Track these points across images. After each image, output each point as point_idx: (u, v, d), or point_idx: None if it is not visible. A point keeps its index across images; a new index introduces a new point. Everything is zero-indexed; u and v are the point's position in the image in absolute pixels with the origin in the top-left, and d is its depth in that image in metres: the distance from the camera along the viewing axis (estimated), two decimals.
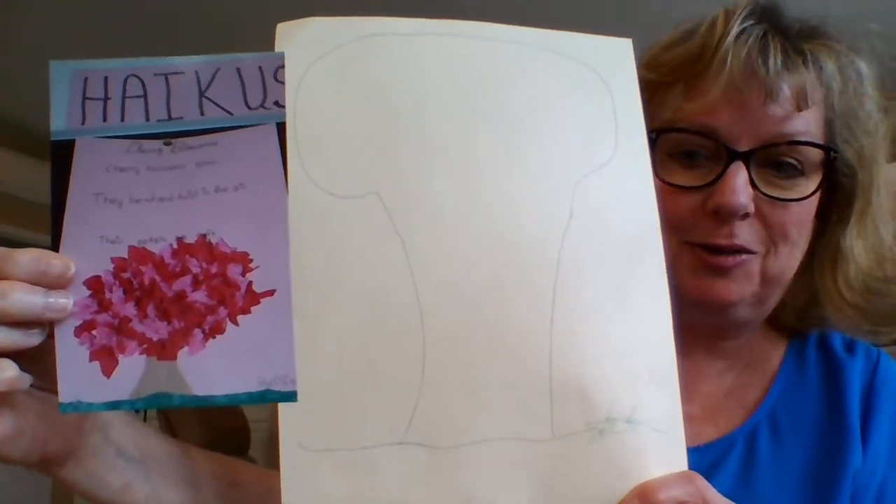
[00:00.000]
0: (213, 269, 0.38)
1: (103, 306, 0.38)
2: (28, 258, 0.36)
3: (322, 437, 0.41)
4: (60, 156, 0.39)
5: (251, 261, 0.38)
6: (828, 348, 0.65)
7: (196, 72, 0.39)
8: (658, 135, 0.57)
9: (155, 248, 0.38)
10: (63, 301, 0.37)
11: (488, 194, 0.44)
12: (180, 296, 0.38)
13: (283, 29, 0.44)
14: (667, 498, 0.41)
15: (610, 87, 0.47)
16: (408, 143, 0.44)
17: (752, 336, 0.65)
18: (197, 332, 0.38)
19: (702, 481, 0.43)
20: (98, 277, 0.38)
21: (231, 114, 0.39)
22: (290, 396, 0.38)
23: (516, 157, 0.45)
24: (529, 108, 0.46)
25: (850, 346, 0.65)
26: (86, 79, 0.39)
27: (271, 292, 0.38)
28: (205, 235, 0.38)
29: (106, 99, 0.39)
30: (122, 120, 0.39)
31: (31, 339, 0.37)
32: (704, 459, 0.58)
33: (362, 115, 0.44)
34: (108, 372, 0.38)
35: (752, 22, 0.57)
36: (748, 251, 0.57)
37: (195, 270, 0.38)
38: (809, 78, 0.56)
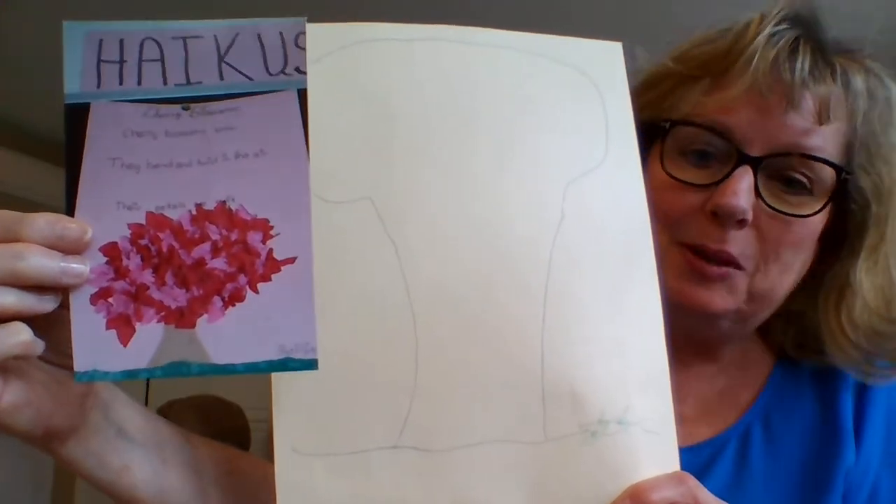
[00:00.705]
0: (233, 236, 0.37)
1: (120, 273, 0.37)
2: (45, 221, 0.36)
3: (316, 441, 0.41)
4: (75, 120, 0.38)
5: (272, 228, 0.38)
6: None
7: (215, 36, 0.39)
8: (671, 126, 0.57)
9: (173, 215, 0.37)
10: (80, 267, 0.36)
11: (480, 197, 0.44)
12: (199, 263, 0.37)
13: None
14: (659, 499, 0.41)
15: (600, 90, 0.47)
16: (400, 147, 0.44)
17: (743, 343, 0.64)
18: (216, 299, 0.37)
19: (693, 482, 0.43)
20: (115, 244, 0.37)
21: (251, 79, 0.38)
22: (311, 364, 0.37)
23: (508, 161, 0.45)
24: (521, 112, 0.46)
25: None
26: (101, 41, 0.38)
27: (292, 259, 0.37)
28: (224, 202, 0.37)
29: (122, 62, 0.38)
30: (140, 84, 0.38)
31: (45, 304, 0.36)
32: (698, 459, 0.58)
33: (355, 120, 0.44)
34: (124, 340, 0.37)
35: (786, 26, 0.56)
36: (735, 264, 0.55)
37: (214, 237, 0.37)
38: (835, 91, 0.55)
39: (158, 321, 0.37)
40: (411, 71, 0.45)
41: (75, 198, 0.37)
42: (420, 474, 0.42)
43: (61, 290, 0.37)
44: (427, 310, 0.42)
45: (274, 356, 0.37)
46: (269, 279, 0.37)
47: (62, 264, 0.36)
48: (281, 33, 0.39)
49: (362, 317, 0.42)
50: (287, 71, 0.38)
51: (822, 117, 0.54)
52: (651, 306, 0.46)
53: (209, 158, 0.38)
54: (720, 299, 0.55)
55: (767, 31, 0.55)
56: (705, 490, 0.43)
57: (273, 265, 0.37)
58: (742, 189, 0.53)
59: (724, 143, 0.55)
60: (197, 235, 0.37)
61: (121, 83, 0.38)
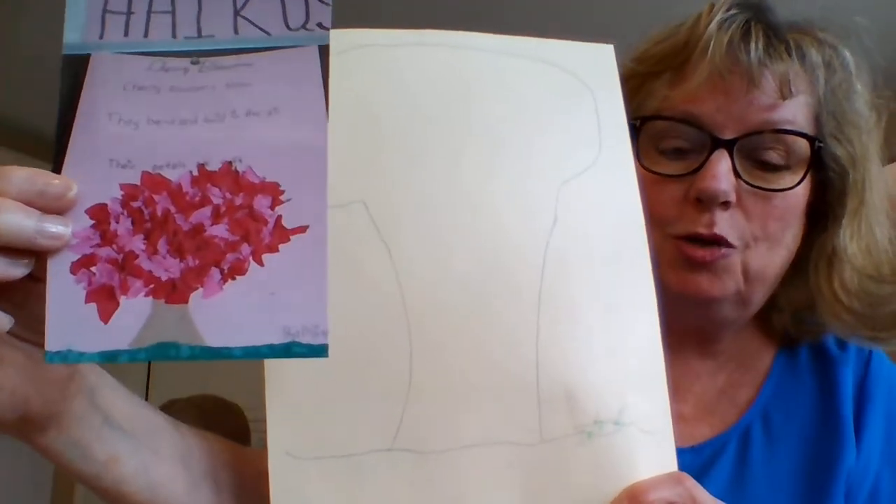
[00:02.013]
0: (238, 201, 0.33)
1: (107, 239, 0.32)
2: (23, 174, 0.31)
3: (310, 445, 0.41)
4: (72, 71, 0.34)
5: (282, 192, 0.33)
6: (820, 345, 0.64)
7: None
8: (642, 123, 0.57)
9: (172, 175, 0.33)
10: (59, 228, 0.32)
11: (472, 200, 0.44)
12: (197, 229, 0.32)
13: None
14: (657, 499, 0.41)
15: (593, 93, 0.48)
16: (392, 151, 0.44)
17: (742, 335, 0.64)
18: (214, 271, 0.32)
19: (691, 482, 0.42)
20: (104, 206, 0.33)
21: (269, 34, 0.35)
22: (320, 350, 0.32)
23: (500, 164, 0.45)
24: (512, 114, 0.46)
25: (843, 343, 0.64)
26: None
27: (303, 228, 0.33)
28: (230, 163, 0.33)
29: (129, 13, 0.35)
30: (146, 36, 0.35)
31: (16, 269, 0.31)
32: (698, 459, 0.58)
33: (346, 125, 0.43)
34: (105, 316, 0.32)
35: (735, 11, 0.57)
36: (726, 243, 0.55)
37: (217, 201, 0.33)
38: (793, 66, 0.56)
39: (146, 295, 0.32)
40: (401, 76, 0.45)
41: (64, 154, 0.33)
42: (415, 477, 0.41)
43: (37, 255, 0.32)
44: (421, 312, 0.42)
45: (277, 339, 0.32)
46: (277, 250, 0.32)
47: (40, 224, 0.31)
48: None
49: (356, 319, 0.42)
50: (308, 26, 0.35)
51: (785, 92, 0.55)
52: (646, 305, 0.45)
53: (217, 115, 0.34)
54: (720, 282, 0.56)
55: (718, 17, 0.56)
56: (703, 490, 0.42)
57: (282, 234, 0.33)
58: (721, 172, 0.54)
59: (696, 132, 0.56)
60: (197, 199, 0.33)
61: (126, 34, 0.35)
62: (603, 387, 0.44)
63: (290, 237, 0.33)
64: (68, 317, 0.32)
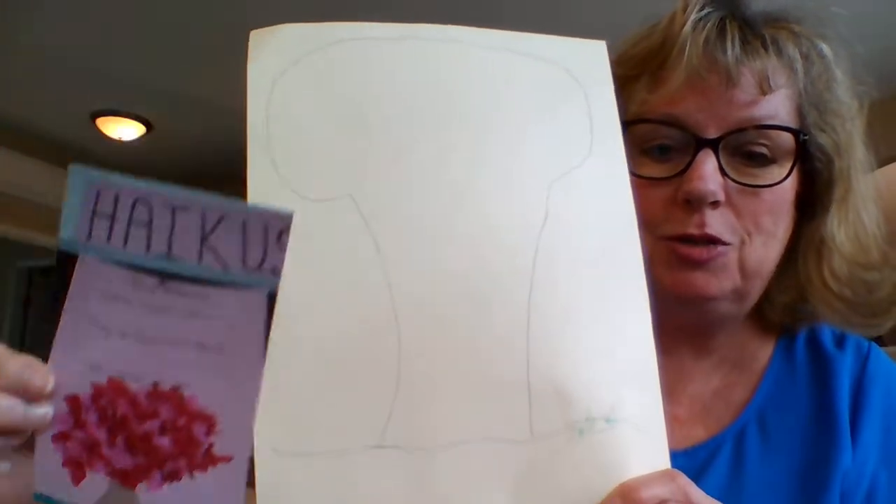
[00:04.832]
0: (181, 422, 0.38)
1: (78, 424, 0.39)
2: (15, 368, 0.38)
3: (297, 441, 0.41)
4: (64, 266, 0.39)
5: (216, 424, 0.38)
6: (817, 344, 0.64)
7: (202, 212, 0.37)
8: (624, 127, 0.56)
9: (132, 385, 0.38)
10: (42, 412, 0.39)
11: (462, 195, 0.43)
12: (147, 436, 0.38)
13: (256, 35, 0.44)
14: (649, 496, 0.41)
15: (585, 89, 0.47)
16: (381, 145, 0.43)
17: (738, 334, 0.63)
18: (157, 472, 0.38)
19: (684, 479, 0.42)
20: (77, 397, 0.39)
21: (227, 268, 0.37)
22: None
23: (490, 159, 0.44)
24: (502, 109, 0.45)
25: (840, 341, 0.63)
26: (98, 192, 0.38)
27: (228, 458, 0.38)
28: (179, 388, 0.38)
29: (113, 218, 0.38)
30: (125, 245, 0.38)
31: (12, 442, 0.39)
32: (694, 462, 0.58)
33: (335, 119, 0.43)
34: (76, 481, 0.39)
35: (709, 10, 0.57)
36: (720, 241, 0.55)
37: (164, 417, 0.38)
38: (771, 61, 0.56)
39: (105, 474, 0.39)
40: (391, 70, 0.44)
41: (51, 346, 0.39)
42: (403, 474, 0.41)
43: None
44: (410, 307, 0.42)
45: None
46: (206, 470, 0.38)
47: (27, 411, 0.38)
48: (265, 226, 0.37)
49: (344, 314, 0.42)
50: (263, 267, 0.37)
51: (764, 88, 0.55)
52: (639, 302, 0.45)
53: (173, 340, 0.38)
54: (716, 280, 0.56)
55: (693, 17, 0.56)
56: (696, 487, 0.42)
57: (211, 459, 0.38)
58: (708, 172, 0.54)
59: (679, 133, 0.56)
60: (150, 411, 0.38)
61: (108, 239, 0.38)
62: (594, 383, 0.43)
63: (218, 463, 0.38)
64: (50, 472, 0.40)
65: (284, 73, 0.44)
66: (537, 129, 0.46)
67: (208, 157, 4.56)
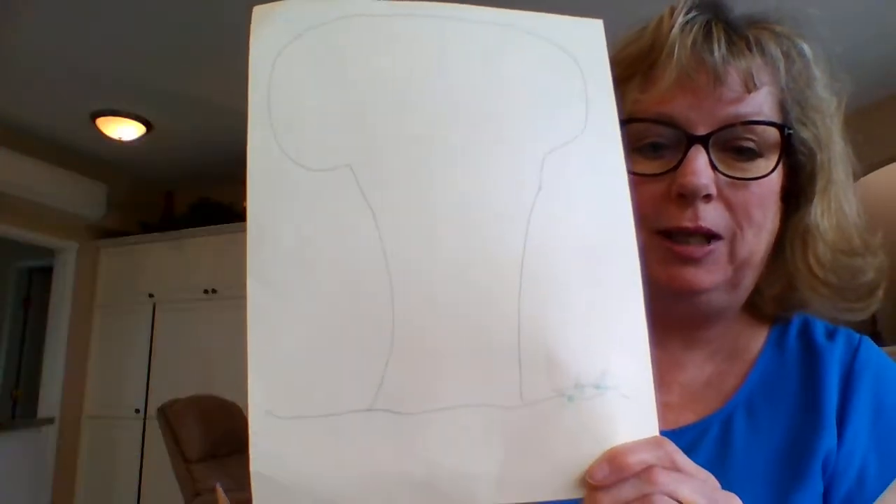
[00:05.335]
0: None
1: None
2: None
3: (291, 404, 0.41)
4: None
5: None
6: (808, 336, 0.65)
7: None
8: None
9: None
10: None
11: (457, 166, 0.44)
12: None
13: (259, 11, 0.45)
14: (636, 461, 0.41)
15: (580, 66, 0.48)
16: (380, 118, 0.44)
17: (732, 326, 0.66)
18: None
19: (671, 446, 0.43)
20: None
21: None
22: None
23: (486, 131, 0.45)
24: (499, 83, 0.46)
25: (832, 334, 0.65)
26: None
27: None
28: None
29: None
30: None
31: None
32: (680, 442, 0.59)
33: (336, 91, 0.44)
34: None
35: (695, 13, 0.60)
36: (714, 235, 0.58)
37: None
38: (755, 61, 0.59)
39: None
40: (390, 45, 0.46)
41: None
42: (393, 437, 0.42)
43: None
44: (404, 276, 0.43)
45: None
46: None
47: None
48: None
49: (339, 281, 0.42)
50: None
51: (750, 86, 0.58)
52: (630, 272, 0.45)
53: None
54: (709, 274, 0.58)
55: (680, 20, 0.59)
56: (683, 454, 0.43)
57: None
58: (699, 166, 0.57)
59: (671, 131, 0.59)
60: None
61: None
62: (584, 350, 0.44)
63: None
64: None
65: (287, 46, 0.45)
66: (532, 102, 0.47)
67: (208, 157, 4.56)
